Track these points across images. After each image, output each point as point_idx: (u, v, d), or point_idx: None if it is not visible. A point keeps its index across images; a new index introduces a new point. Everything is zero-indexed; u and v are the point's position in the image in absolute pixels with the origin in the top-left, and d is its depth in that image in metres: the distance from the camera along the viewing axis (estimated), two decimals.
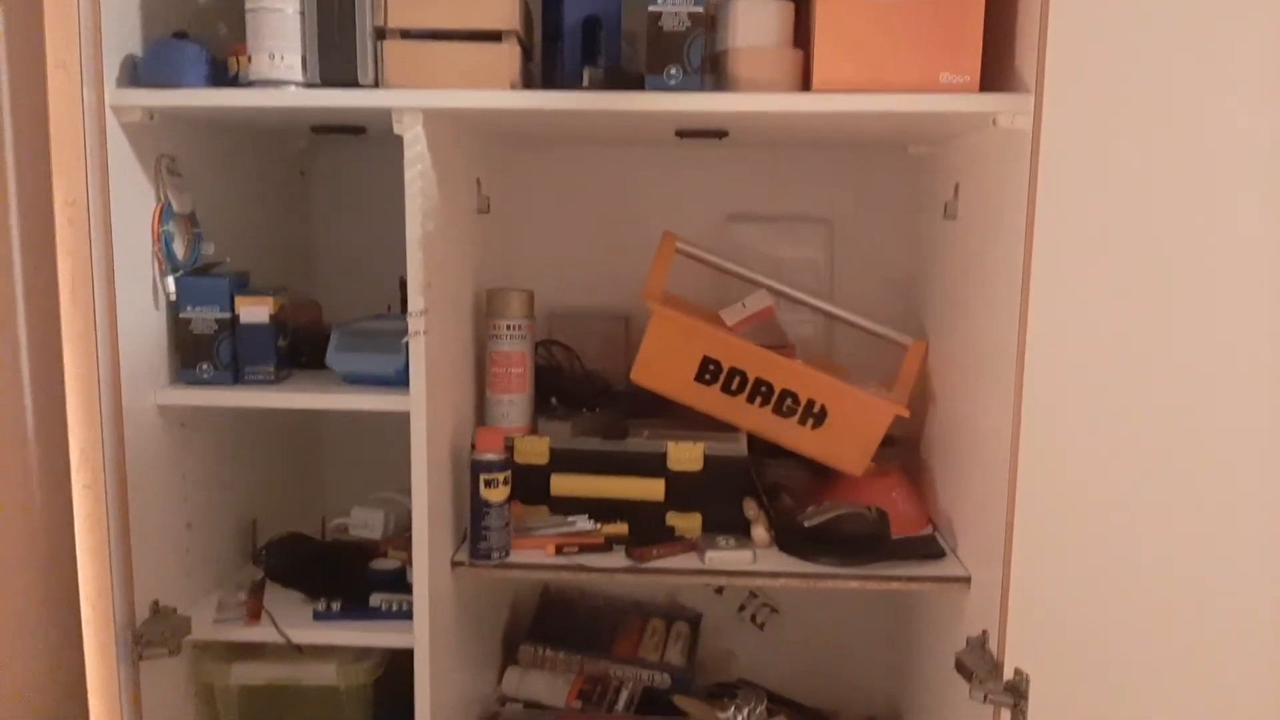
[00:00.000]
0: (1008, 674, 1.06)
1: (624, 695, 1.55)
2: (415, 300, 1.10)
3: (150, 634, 1.17)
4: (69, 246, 1.07)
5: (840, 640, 1.69)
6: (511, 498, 1.28)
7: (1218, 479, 0.90)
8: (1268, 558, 0.89)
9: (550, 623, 1.67)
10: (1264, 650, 0.90)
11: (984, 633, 1.15)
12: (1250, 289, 0.87)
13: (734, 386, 1.35)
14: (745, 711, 1.54)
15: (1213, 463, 0.90)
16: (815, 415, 1.35)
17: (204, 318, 1.21)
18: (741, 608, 1.71)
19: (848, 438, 1.35)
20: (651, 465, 1.34)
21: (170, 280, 1.20)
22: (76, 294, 1.09)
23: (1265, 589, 0.89)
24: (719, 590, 1.71)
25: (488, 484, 1.24)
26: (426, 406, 1.15)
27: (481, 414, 1.41)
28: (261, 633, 1.24)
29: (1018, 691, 1.04)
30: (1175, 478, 0.92)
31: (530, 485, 1.34)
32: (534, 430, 1.41)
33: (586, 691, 1.55)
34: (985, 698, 1.06)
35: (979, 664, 1.10)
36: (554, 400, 1.48)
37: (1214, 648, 0.92)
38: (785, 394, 1.34)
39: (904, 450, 1.52)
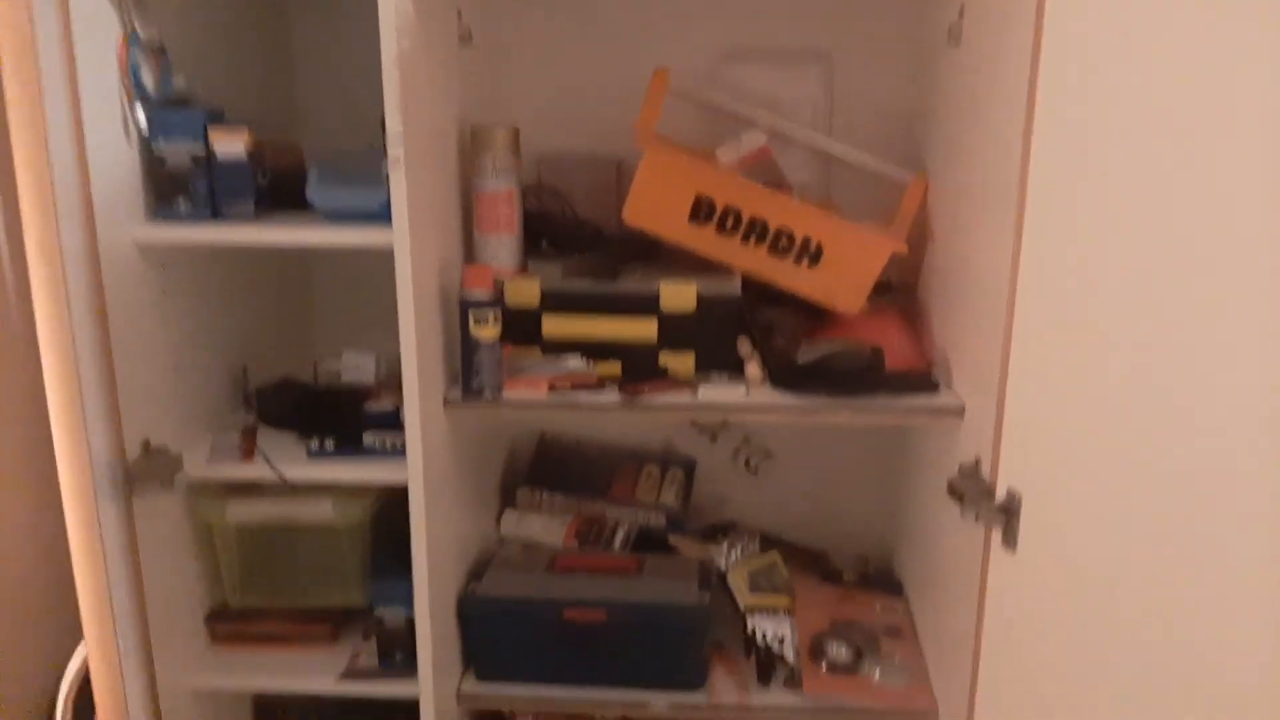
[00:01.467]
0: (1000, 495, 1.07)
1: (620, 535, 1.57)
2: (393, 122, 1.06)
3: (141, 471, 1.17)
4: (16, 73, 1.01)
5: (832, 483, 1.71)
6: (502, 341, 1.26)
7: (1216, 321, 0.88)
8: (1264, 379, 0.87)
9: (547, 469, 1.68)
10: (1261, 470, 0.90)
11: (977, 459, 1.15)
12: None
13: (728, 225, 1.31)
14: (738, 549, 1.57)
15: (1212, 304, 0.88)
16: (811, 254, 1.32)
17: (178, 151, 1.17)
18: (735, 453, 1.72)
19: (844, 276, 1.33)
20: (644, 306, 1.32)
21: (139, 110, 1.15)
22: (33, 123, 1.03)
23: (1258, 411, 0.88)
24: (713, 437, 1.71)
25: (477, 321, 1.22)
26: (410, 240, 1.12)
27: (470, 257, 1.38)
28: (256, 471, 1.25)
29: (1009, 511, 1.05)
30: (1172, 312, 0.90)
31: (521, 328, 1.32)
32: (524, 271, 1.38)
33: (583, 532, 1.57)
34: (977, 517, 1.07)
35: (971, 488, 1.11)
36: (545, 244, 1.44)
37: (1203, 473, 0.91)
38: (780, 232, 1.31)
39: (900, 295, 1.50)
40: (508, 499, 1.66)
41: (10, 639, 1.37)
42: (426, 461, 1.21)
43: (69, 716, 1.06)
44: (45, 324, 1.06)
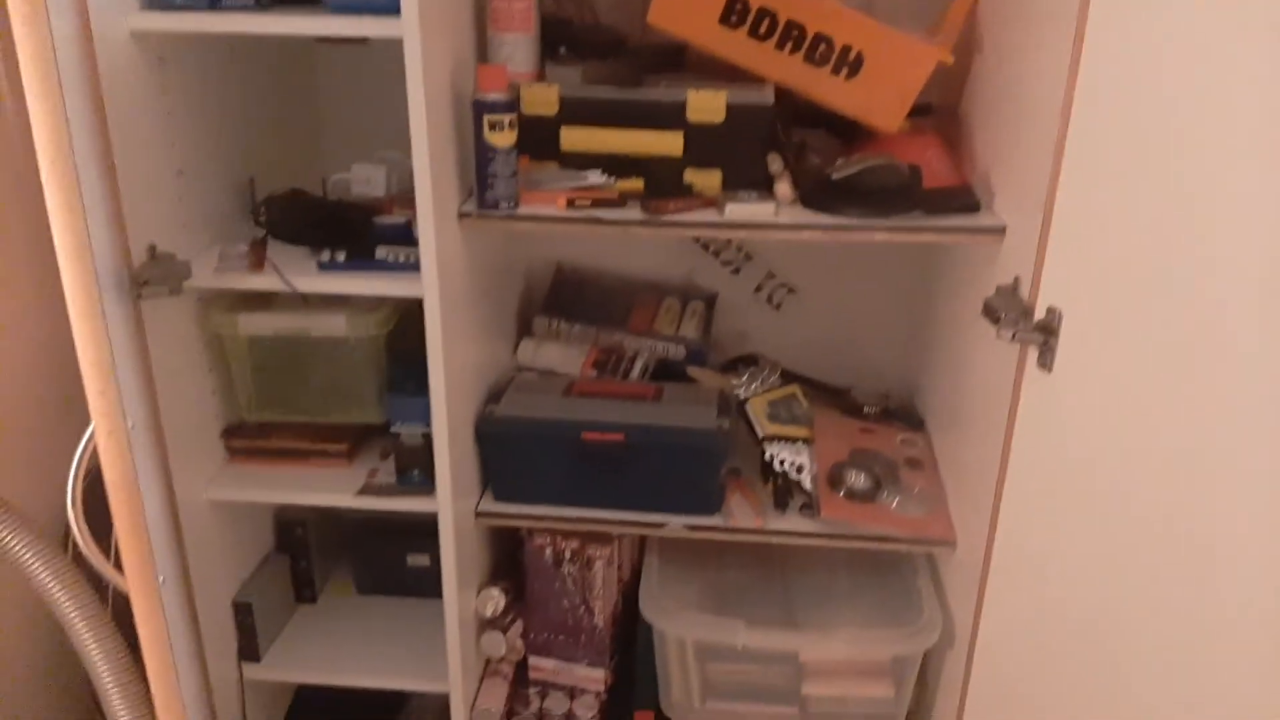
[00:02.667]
0: (1039, 314, 1.02)
1: (639, 366, 1.55)
2: None
3: (148, 275, 1.13)
4: None
5: (856, 320, 1.66)
6: (519, 153, 1.20)
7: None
8: None
9: (564, 299, 1.64)
10: None
11: (1016, 279, 1.10)
12: None
13: (762, 30, 1.22)
14: (758, 380, 1.54)
15: None
16: (850, 63, 1.23)
17: None
18: (758, 288, 1.67)
19: (884, 88, 1.24)
20: (669, 116, 1.24)
21: None
22: None
23: None
24: (736, 270, 1.66)
25: (492, 127, 1.16)
26: (420, 29, 1.04)
27: (484, 57, 1.29)
28: (266, 282, 1.21)
29: (1048, 329, 1.00)
30: (1235, 130, 0.83)
31: (538, 139, 1.26)
32: (541, 78, 1.30)
33: (601, 361, 1.55)
34: (1014, 336, 1.03)
35: (1009, 307, 1.06)
36: (563, 50, 1.35)
37: (1248, 298, 0.86)
38: (819, 38, 1.22)
39: (940, 118, 1.42)
40: (524, 329, 1.63)
41: (24, 444, 1.37)
42: (441, 275, 1.17)
43: (79, 502, 1.06)
44: (39, 116, 1.00)
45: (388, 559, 1.58)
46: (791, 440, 1.44)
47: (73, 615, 1.04)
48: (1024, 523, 1.12)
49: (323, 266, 1.22)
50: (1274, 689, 0.82)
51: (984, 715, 1.22)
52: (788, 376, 1.60)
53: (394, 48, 1.05)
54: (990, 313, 1.08)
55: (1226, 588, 0.87)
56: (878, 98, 1.25)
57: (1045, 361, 1.02)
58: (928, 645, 1.33)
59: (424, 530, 1.32)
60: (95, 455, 1.06)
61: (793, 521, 1.36)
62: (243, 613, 1.42)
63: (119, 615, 1.18)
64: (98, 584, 1.18)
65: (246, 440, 1.38)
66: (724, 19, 1.22)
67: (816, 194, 1.22)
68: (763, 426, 1.45)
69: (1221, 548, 0.87)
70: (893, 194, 1.19)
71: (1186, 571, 0.89)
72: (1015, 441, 1.11)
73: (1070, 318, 0.99)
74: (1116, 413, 0.96)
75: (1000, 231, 1.16)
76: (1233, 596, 0.86)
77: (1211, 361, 0.86)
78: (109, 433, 1.00)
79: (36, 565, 1.00)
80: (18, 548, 0.97)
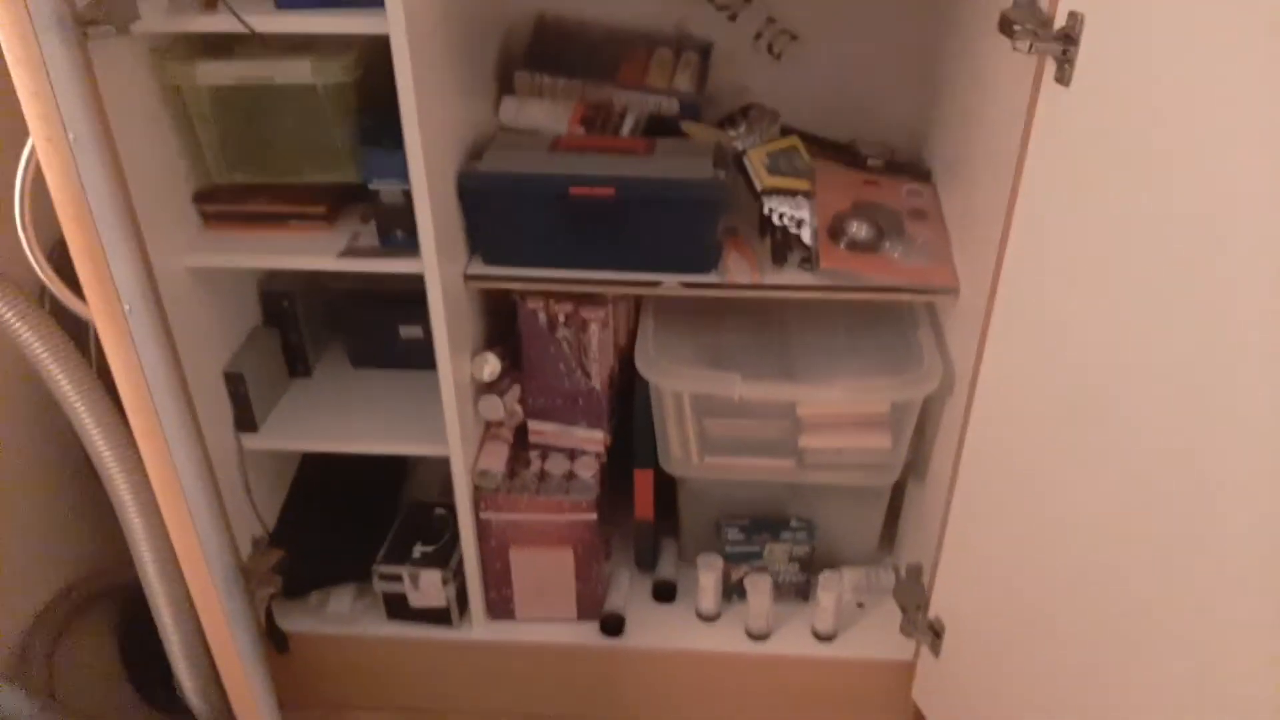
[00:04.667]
0: (1059, 22, 0.93)
1: (629, 122, 1.46)
2: None
3: (93, 15, 1.03)
4: None
5: (862, 70, 1.55)
6: None
7: None
8: None
9: (547, 52, 1.53)
10: None
11: None
12: None
13: None
14: (757, 132, 1.46)
15: None
16: None
17: None
18: (758, 35, 1.55)
19: None
20: None
21: None
22: None
23: None
24: (733, 16, 1.54)
25: None
26: None
27: None
28: (220, 22, 1.11)
29: (1069, 38, 0.92)
30: None
31: None
32: None
33: (589, 118, 1.46)
34: (1030, 47, 0.94)
35: (1027, 17, 0.97)
36: None
37: None
38: None
39: None
40: (506, 88, 1.53)
41: None
42: (408, 9, 1.07)
43: (26, 215, 1.01)
44: None
45: (380, 331, 1.55)
46: (791, 193, 1.37)
47: (49, 363, 1.02)
48: (1030, 262, 1.07)
49: (281, 4, 1.12)
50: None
51: (981, 462, 1.22)
52: (788, 130, 1.51)
53: None
54: (1006, 26, 0.99)
55: (1233, 362, 0.82)
56: None
57: (1063, 75, 0.94)
58: (927, 392, 1.32)
59: (415, 300, 1.28)
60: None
61: (791, 275, 1.32)
62: (235, 382, 1.40)
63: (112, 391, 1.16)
64: (82, 346, 1.15)
65: (221, 205, 1.32)
66: None
67: None
68: (761, 179, 1.38)
69: (1236, 309, 0.81)
70: None
71: (1207, 312, 0.84)
72: (1026, 171, 1.05)
73: (1093, 23, 0.90)
74: (1136, 130, 0.88)
75: None
76: (1239, 383, 0.82)
77: (1248, 80, 0.78)
78: (48, 140, 0.94)
79: (4, 309, 0.96)
80: None
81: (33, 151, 0.97)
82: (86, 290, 1.04)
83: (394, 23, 1.07)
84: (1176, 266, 0.86)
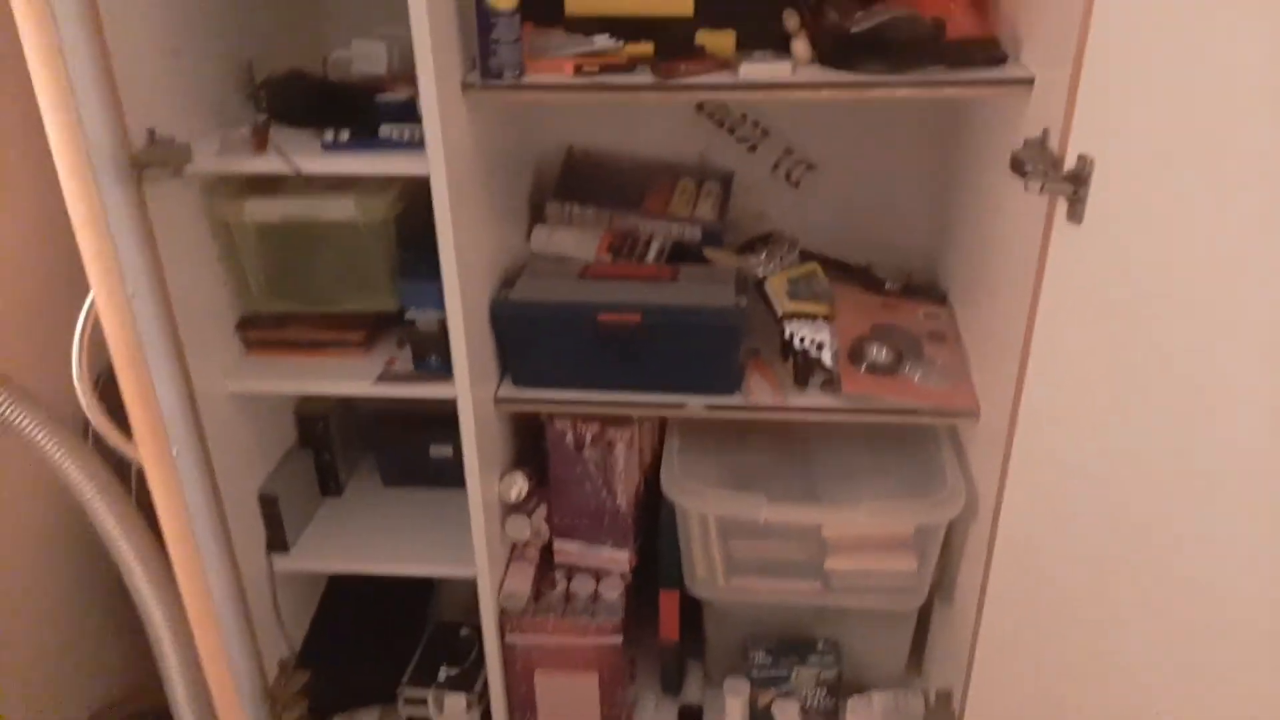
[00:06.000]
0: (1069, 164, 0.97)
1: (654, 248, 1.51)
2: None
3: (149, 158, 1.11)
4: None
5: (877, 196, 1.61)
6: (522, 19, 1.15)
7: None
8: None
9: (576, 182, 1.60)
10: None
11: (1045, 131, 1.05)
12: None
13: None
14: (777, 259, 1.51)
15: None
16: None
17: None
18: (776, 165, 1.62)
19: None
20: None
21: None
22: None
23: None
24: (752, 147, 1.61)
25: None
26: None
27: None
28: (269, 164, 1.18)
29: (1079, 179, 0.96)
30: None
31: (542, 5, 1.20)
32: None
33: (616, 245, 1.51)
34: (1042, 188, 0.98)
35: (1037, 159, 1.01)
36: None
37: None
38: None
39: None
40: (537, 216, 1.60)
41: (35, 331, 1.36)
42: (447, 151, 1.13)
43: (85, 371, 1.05)
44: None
45: (411, 450, 1.58)
46: (811, 317, 1.41)
47: (91, 497, 1.05)
48: (1049, 388, 1.09)
49: (326, 147, 1.19)
50: None
51: (1008, 587, 1.22)
52: (807, 255, 1.56)
53: None
54: (1018, 166, 1.03)
55: (1256, 460, 0.84)
56: None
57: (1075, 214, 0.98)
58: (951, 516, 1.33)
59: (445, 420, 1.31)
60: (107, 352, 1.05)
61: (813, 398, 1.35)
62: (269, 504, 1.43)
63: (150, 519, 1.18)
64: (122, 474, 1.18)
65: (262, 332, 1.37)
66: None
67: (835, 50, 1.16)
68: (782, 304, 1.42)
69: (1254, 419, 0.84)
70: (915, 47, 1.14)
71: (1215, 440, 0.87)
72: (1042, 302, 1.08)
73: (1102, 165, 0.95)
74: (1148, 267, 0.92)
75: (1028, 82, 1.11)
76: (1263, 468, 0.84)
77: (1250, 211, 0.82)
78: (108, 297, 0.99)
79: (52, 446, 1.00)
80: (31, 428, 0.97)
81: (93, 305, 1.01)
82: (137, 436, 1.08)
83: (434, 164, 1.14)
84: (1188, 394, 0.89)
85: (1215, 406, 0.87)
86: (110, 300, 1.01)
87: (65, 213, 1.02)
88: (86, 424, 1.16)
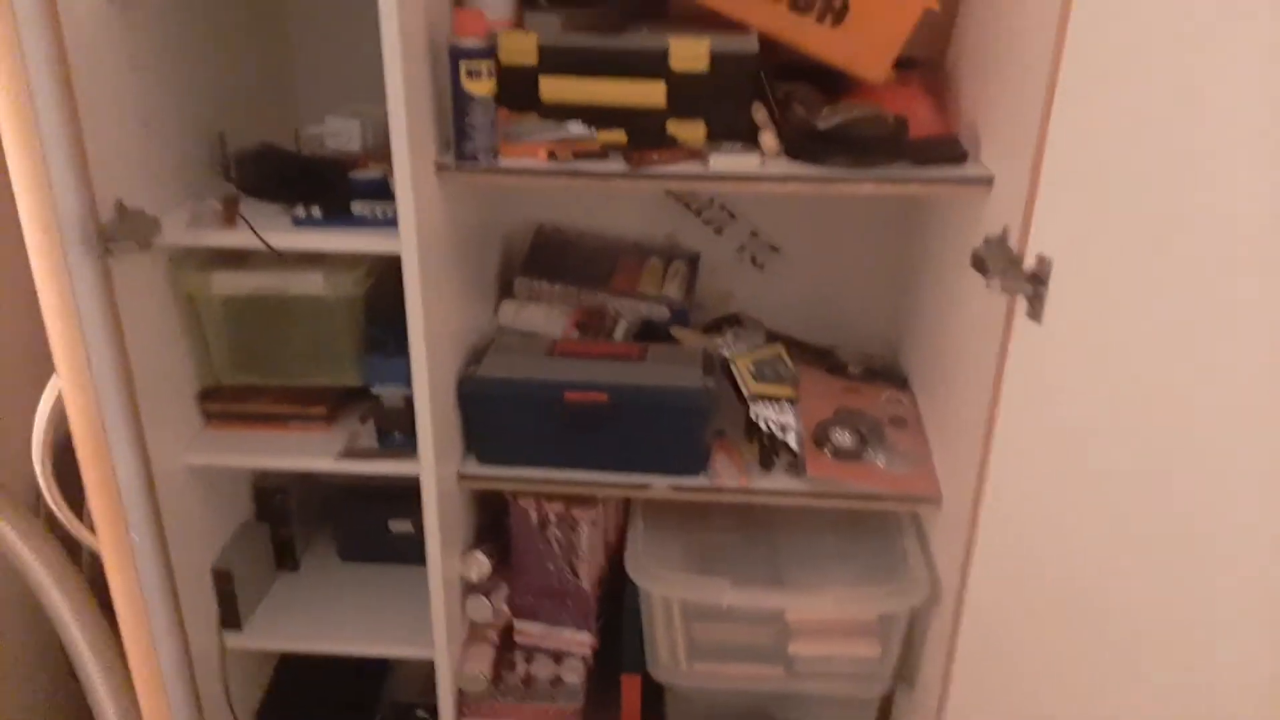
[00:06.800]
0: (1029, 263, 1.00)
1: (622, 326, 1.53)
2: None
3: (116, 230, 1.10)
4: None
5: (840, 280, 1.64)
6: (497, 104, 1.17)
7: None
8: None
9: (545, 260, 1.62)
10: None
11: (1004, 230, 1.08)
12: None
13: None
14: (743, 340, 1.52)
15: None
16: (835, 10, 1.20)
17: None
18: (741, 247, 1.65)
19: (870, 36, 1.22)
20: (652, 65, 1.21)
21: None
22: None
23: None
24: (719, 230, 1.64)
25: (470, 74, 1.12)
26: None
27: (460, 2, 1.26)
28: (239, 238, 1.18)
29: (1038, 279, 0.99)
30: (1226, 72, 0.81)
31: (517, 90, 1.22)
32: (519, 25, 1.27)
33: (584, 323, 1.52)
34: (1003, 286, 1.01)
35: (997, 257, 1.04)
36: None
37: (1246, 241, 0.85)
38: None
39: (925, 70, 1.40)
40: (505, 291, 1.60)
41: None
42: (420, 231, 1.14)
43: (47, 458, 1.03)
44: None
45: (370, 525, 1.56)
46: (776, 400, 1.42)
47: (42, 577, 1.01)
48: (1011, 479, 1.11)
49: (298, 222, 1.19)
50: (1264, 652, 0.82)
51: (971, 675, 1.22)
52: (772, 336, 1.59)
53: None
54: (978, 263, 1.06)
55: (1217, 550, 0.86)
56: (863, 46, 1.23)
57: (1035, 312, 1.01)
58: (914, 603, 1.33)
59: (406, 495, 1.30)
60: (65, 419, 1.03)
61: (778, 480, 1.35)
62: (223, 580, 1.39)
63: (99, 593, 1.15)
64: (74, 553, 1.15)
65: (223, 404, 1.35)
66: None
67: (802, 145, 1.20)
68: (748, 386, 1.43)
69: (1212, 508, 0.86)
70: (879, 144, 1.17)
71: (1176, 531, 0.89)
72: (1004, 396, 1.10)
73: (1060, 266, 0.98)
74: (1108, 365, 0.95)
75: (988, 182, 1.14)
76: (1223, 558, 0.86)
77: (1205, 312, 0.85)
78: (74, 383, 0.97)
79: (5, 529, 0.97)
80: None
81: (57, 391, 0.99)
82: (96, 520, 1.05)
83: (406, 243, 1.14)
84: (1152, 487, 0.90)
85: (1181, 499, 0.89)
86: (76, 387, 0.99)
87: (25, 283, 1.01)
88: (37, 496, 1.13)
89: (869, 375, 1.56)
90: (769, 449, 1.37)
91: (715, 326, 1.58)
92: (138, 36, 1.16)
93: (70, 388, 0.99)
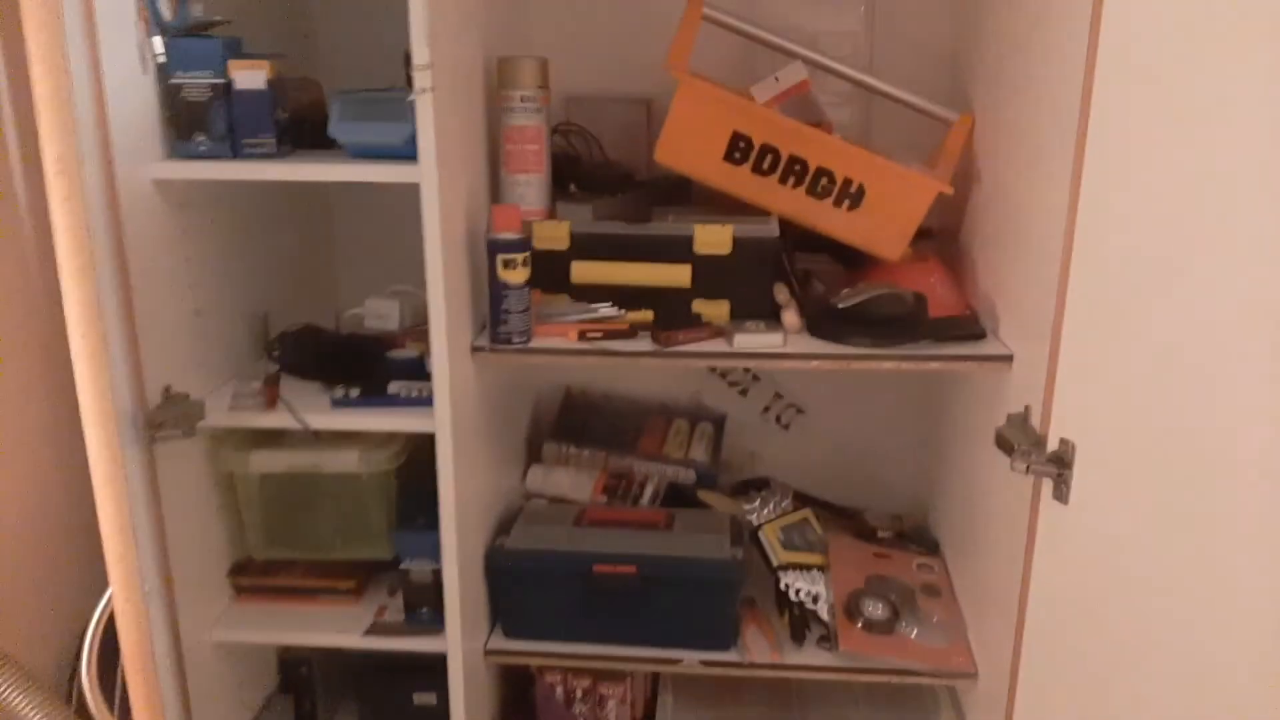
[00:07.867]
0: (1052, 445, 1.02)
1: (649, 490, 1.54)
2: (420, 53, 1.01)
3: (163, 418, 1.14)
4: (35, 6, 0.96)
5: (866, 440, 1.66)
6: (531, 285, 1.22)
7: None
8: None
9: (573, 423, 1.65)
10: None
11: (1026, 409, 1.10)
12: None
13: (765, 166, 1.26)
14: (771, 505, 1.52)
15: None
16: (852, 196, 1.26)
17: (196, 83, 1.12)
18: (766, 409, 1.67)
19: (886, 219, 1.27)
20: (677, 250, 1.27)
21: (157, 40, 1.10)
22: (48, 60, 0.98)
23: None
24: (744, 392, 1.67)
25: (506, 265, 1.18)
26: (438, 176, 1.07)
27: (496, 197, 1.33)
28: (279, 419, 1.21)
29: (1062, 461, 1.00)
30: (1240, 255, 0.85)
31: (550, 273, 1.28)
32: (552, 215, 1.33)
33: (611, 487, 1.54)
34: (1028, 469, 1.02)
35: (1021, 437, 1.06)
36: (573, 188, 1.39)
37: (1263, 419, 0.87)
38: (820, 172, 1.26)
39: (941, 242, 1.45)
40: (534, 455, 1.63)
41: (35, 592, 1.34)
42: (454, 411, 1.17)
43: (94, 665, 1.03)
44: (68, 267, 1.01)
45: (394, 698, 1.53)
46: (806, 568, 1.41)
47: None
48: (1047, 655, 1.09)
49: (336, 403, 1.23)
50: None
51: None
52: (800, 499, 1.59)
53: (410, 187, 1.08)
54: (1003, 444, 1.08)
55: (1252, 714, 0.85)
56: (880, 228, 1.28)
57: (1060, 494, 1.02)
58: None
59: (431, 666, 1.28)
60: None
61: (810, 655, 1.33)
62: None
63: None
64: None
65: (253, 578, 1.36)
66: (728, 156, 1.26)
67: (823, 323, 1.23)
68: (777, 554, 1.43)
69: (1245, 681, 0.85)
70: (899, 323, 1.21)
71: (1211, 698, 0.87)
72: (1034, 572, 1.09)
73: (1084, 449, 0.99)
74: (1136, 543, 0.95)
75: (1008, 359, 1.17)
76: None
77: (1226, 489, 0.86)
78: (127, 599, 0.99)
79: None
80: (22, 705, 0.94)
81: (108, 603, 1.01)
82: (135, 705, 1.04)
83: (440, 422, 1.17)
84: (1188, 664, 0.89)
85: (1210, 684, 0.88)
86: (129, 603, 1.00)
87: (76, 477, 1.04)
88: (70, 683, 1.13)
89: (899, 539, 1.55)
90: (800, 620, 1.36)
91: (742, 489, 1.59)
92: (193, 233, 1.23)
93: (121, 599, 1.00)
